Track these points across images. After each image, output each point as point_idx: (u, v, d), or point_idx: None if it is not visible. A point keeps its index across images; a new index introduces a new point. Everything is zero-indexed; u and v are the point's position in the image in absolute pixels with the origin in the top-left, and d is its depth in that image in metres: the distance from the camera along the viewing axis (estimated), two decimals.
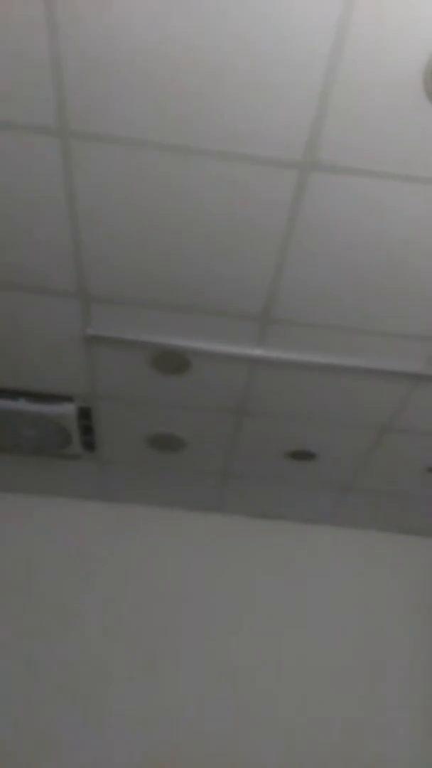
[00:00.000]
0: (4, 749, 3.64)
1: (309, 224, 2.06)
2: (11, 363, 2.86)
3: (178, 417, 3.15)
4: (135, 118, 1.78)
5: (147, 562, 4.04)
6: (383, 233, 2.07)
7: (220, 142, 1.83)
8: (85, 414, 3.18)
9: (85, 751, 3.66)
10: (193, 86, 1.70)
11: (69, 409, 3.05)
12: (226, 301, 2.40)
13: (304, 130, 1.78)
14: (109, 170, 1.93)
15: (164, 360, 2.73)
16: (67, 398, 3.07)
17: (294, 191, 1.95)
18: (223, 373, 2.80)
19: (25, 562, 3.98)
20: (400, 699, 3.90)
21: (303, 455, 3.40)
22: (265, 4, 1.52)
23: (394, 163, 1.85)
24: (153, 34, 1.59)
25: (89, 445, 3.44)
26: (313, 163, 1.87)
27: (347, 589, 4.09)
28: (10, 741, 3.65)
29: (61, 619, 3.88)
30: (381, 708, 3.87)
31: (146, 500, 4.07)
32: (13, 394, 3.05)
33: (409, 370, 2.66)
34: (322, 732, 3.80)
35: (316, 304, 2.38)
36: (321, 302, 2.37)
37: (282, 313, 2.44)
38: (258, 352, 2.61)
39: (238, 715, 3.79)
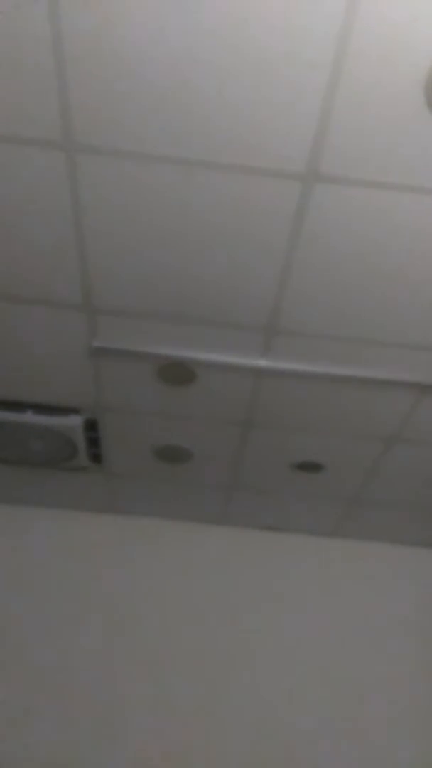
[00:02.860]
0: (10, 756, 3.62)
1: (312, 235, 2.07)
2: (18, 375, 2.87)
3: (184, 429, 3.15)
4: (139, 132, 1.80)
5: (152, 574, 4.02)
6: (386, 244, 2.08)
7: (224, 154, 1.85)
8: (91, 426, 3.19)
9: (87, 756, 3.64)
10: (196, 100, 1.72)
11: (75, 421, 3.06)
12: (231, 312, 2.41)
13: (307, 143, 1.79)
14: (113, 183, 1.95)
15: (170, 371, 2.73)
16: (73, 410, 3.08)
17: (297, 203, 1.96)
18: (228, 384, 2.80)
19: (30, 574, 3.97)
20: (404, 713, 3.86)
21: (309, 467, 3.39)
22: (266, 18, 1.54)
23: (396, 174, 1.86)
24: (157, 48, 1.61)
25: (96, 457, 3.45)
26: (316, 175, 1.88)
27: (355, 602, 4.06)
28: (14, 749, 3.63)
29: (67, 631, 3.87)
30: (383, 721, 3.83)
31: (152, 512, 4.07)
32: (20, 406, 3.07)
33: (415, 380, 2.66)
34: (322, 742, 3.76)
35: (321, 315, 2.39)
36: (325, 313, 2.38)
37: (287, 324, 2.44)
38: (263, 362, 2.61)
39: (241, 729, 3.76)
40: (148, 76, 1.67)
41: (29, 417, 3.04)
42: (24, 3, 1.44)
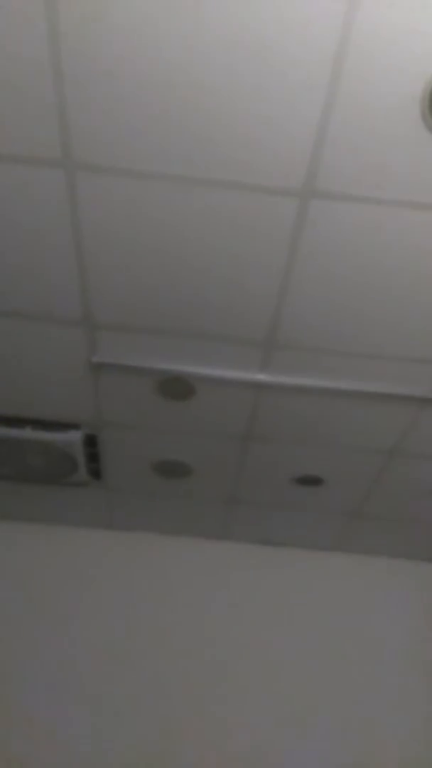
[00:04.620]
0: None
1: (310, 250, 2.08)
2: (18, 391, 2.88)
3: (183, 443, 3.15)
4: (137, 150, 1.82)
5: (152, 590, 4.00)
6: (383, 258, 2.09)
7: (222, 172, 1.86)
8: (91, 441, 3.19)
9: None
10: (193, 119, 1.74)
11: (75, 437, 3.06)
12: (230, 326, 2.42)
13: (304, 159, 1.81)
14: (113, 200, 1.97)
15: (169, 386, 2.74)
16: (73, 426, 3.08)
17: (295, 219, 1.98)
18: (227, 398, 2.81)
19: (30, 591, 3.95)
20: (405, 728, 3.82)
21: (309, 480, 3.39)
22: (263, 37, 1.56)
23: (392, 190, 1.88)
24: (155, 68, 1.63)
25: (95, 472, 3.44)
26: (313, 191, 1.90)
27: (356, 616, 4.04)
28: (10, 763, 3.59)
29: (66, 648, 3.85)
30: (384, 735, 3.80)
31: (152, 528, 4.05)
32: (20, 422, 3.06)
33: (414, 393, 2.66)
34: (321, 756, 3.72)
35: (319, 329, 2.40)
36: (324, 327, 2.39)
37: (285, 339, 2.45)
38: (262, 377, 2.62)
39: (241, 744, 3.72)
40: (145, 96, 1.69)
41: (28, 433, 3.04)
42: None
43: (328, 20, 1.51)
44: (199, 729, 3.74)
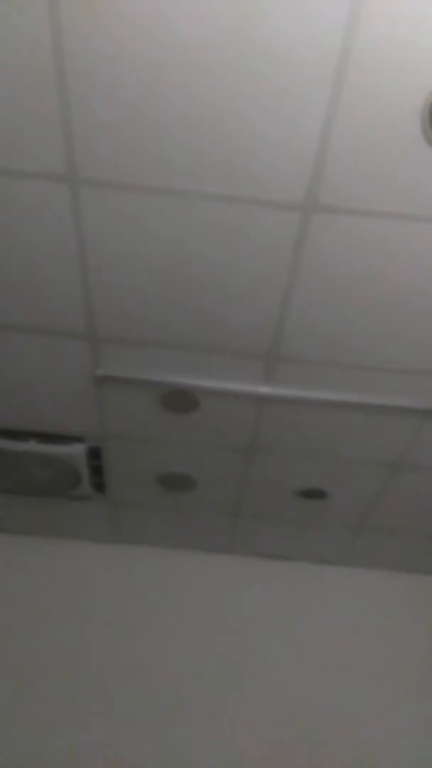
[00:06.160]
0: None
1: (312, 264, 2.09)
2: (22, 404, 2.89)
3: (187, 456, 3.15)
4: (140, 165, 1.84)
5: (156, 604, 3.99)
6: (386, 271, 2.10)
7: (224, 186, 1.88)
8: (94, 454, 3.19)
9: None
10: (196, 133, 1.75)
11: (79, 450, 3.06)
12: (233, 339, 2.42)
13: (306, 173, 1.83)
14: (116, 215, 1.99)
15: (173, 399, 2.74)
16: (77, 438, 3.08)
17: (297, 232, 1.99)
18: (231, 411, 2.81)
19: (33, 605, 3.94)
20: (412, 743, 3.79)
21: (314, 494, 3.38)
22: (263, 54, 1.58)
23: (394, 203, 1.89)
24: (157, 84, 1.65)
25: (99, 485, 3.44)
26: (315, 205, 1.91)
27: (361, 631, 4.01)
28: None
29: (70, 662, 3.83)
30: (390, 750, 3.76)
31: (156, 541, 4.04)
32: (24, 435, 3.07)
33: (418, 406, 2.66)
34: None
35: (322, 342, 2.40)
36: (326, 340, 2.39)
37: (288, 351, 2.46)
38: (265, 389, 2.62)
39: (246, 759, 3.68)
40: (148, 112, 1.71)
41: (32, 446, 3.04)
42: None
43: (329, 35, 1.53)
44: (202, 743, 3.71)
